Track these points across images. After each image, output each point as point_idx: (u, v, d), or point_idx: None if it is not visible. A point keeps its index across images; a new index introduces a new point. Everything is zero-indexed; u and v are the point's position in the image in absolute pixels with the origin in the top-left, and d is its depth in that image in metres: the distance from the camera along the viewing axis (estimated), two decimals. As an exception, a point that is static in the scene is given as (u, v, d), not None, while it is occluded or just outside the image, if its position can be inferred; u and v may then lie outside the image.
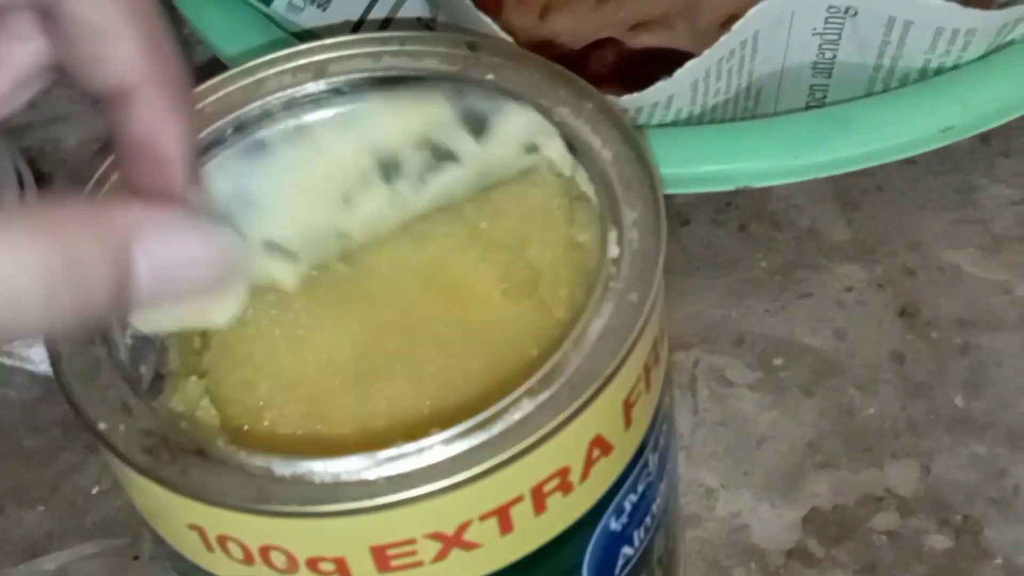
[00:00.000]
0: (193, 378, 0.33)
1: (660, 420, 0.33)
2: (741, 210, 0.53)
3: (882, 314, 0.49)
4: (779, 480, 0.45)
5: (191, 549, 0.31)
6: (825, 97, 0.50)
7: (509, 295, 0.34)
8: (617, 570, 0.34)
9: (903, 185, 0.53)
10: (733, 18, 0.46)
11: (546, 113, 0.34)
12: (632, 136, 0.34)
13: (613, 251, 0.31)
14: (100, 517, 0.47)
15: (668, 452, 0.35)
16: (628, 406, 0.31)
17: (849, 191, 0.53)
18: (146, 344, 0.33)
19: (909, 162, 0.51)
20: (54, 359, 0.31)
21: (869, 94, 0.50)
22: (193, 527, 0.30)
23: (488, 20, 0.46)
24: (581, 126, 0.34)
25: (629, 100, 0.46)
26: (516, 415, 0.29)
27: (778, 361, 0.48)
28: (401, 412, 0.33)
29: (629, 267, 0.31)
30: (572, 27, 0.52)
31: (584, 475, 0.30)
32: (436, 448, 0.28)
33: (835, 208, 0.53)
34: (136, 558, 0.46)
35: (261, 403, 0.33)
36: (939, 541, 0.44)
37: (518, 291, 0.34)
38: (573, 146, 0.34)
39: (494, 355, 0.33)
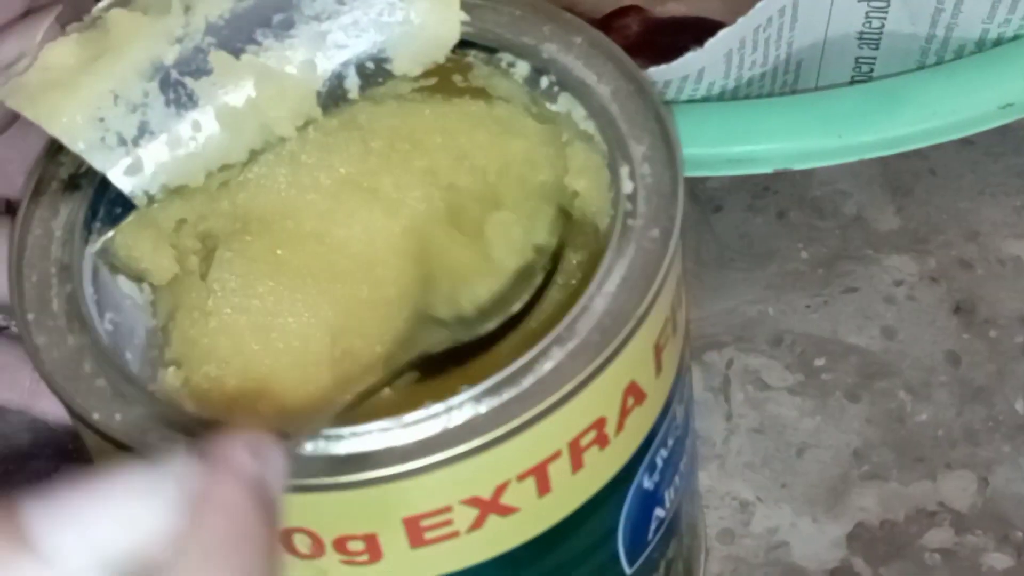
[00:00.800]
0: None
1: (684, 368, 0.35)
2: (780, 195, 0.53)
3: (935, 311, 0.49)
4: (822, 493, 0.45)
5: None
6: (872, 71, 0.50)
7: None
8: (651, 534, 0.35)
9: (959, 168, 0.53)
10: (771, -17, 0.46)
11: (532, 50, 0.35)
12: (630, 68, 0.34)
13: (627, 187, 0.32)
14: (72, 532, 0.46)
15: (691, 405, 0.36)
16: (658, 350, 0.32)
17: (899, 175, 0.53)
18: (126, 329, 0.34)
19: (966, 142, 0.51)
20: (31, 351, 0.31)
21: (921, 67, 0.50)
22: None
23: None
24: (572, 62, 0.35)
25: (656, 72, 0.46)
26: (547, 365, 0.29)
27: (820, 362, 0.48)
28: (387, 401, 0.33)
29: (645, 203, 0.32)
30: (592, -8, 0.52)
31: (619, 426, 0.31)
32: (465, 407, 0.29)
33: (884, 194, 0.52)
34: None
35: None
36: (998, 560, 0.43)
37: None
38: (565, 82, 0.34)
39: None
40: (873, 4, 0.48)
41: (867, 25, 0.48)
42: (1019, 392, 0.47)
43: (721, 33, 0.45)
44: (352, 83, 0.35)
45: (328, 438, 0.29)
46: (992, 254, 0.50)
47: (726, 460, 0.46)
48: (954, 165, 0.53)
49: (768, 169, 0.47)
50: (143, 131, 0.33)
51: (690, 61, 0.46)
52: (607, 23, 0.51)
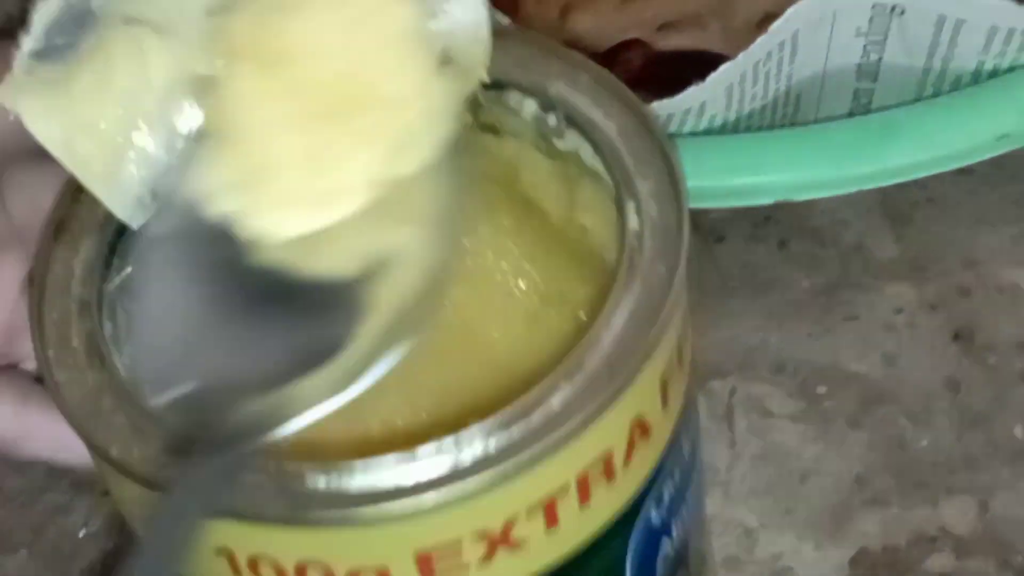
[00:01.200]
0: None
1: (691, 401, 0.35)
2: (781, 225, 0.53)
3: (935, 338, 0.49)
4: (824, 519, 0.45)
5: None
6: (870, 102, 0.51)
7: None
8: (658, 566, 0.35)
9: (957, 197, 0.53)
10: (770, 17, 0.46)
11: (539, 88, 0.35)
12: (636, 105, 0.34)
13: (633, 223, 0.32)
14: (88, 563, 0.47)
15: (698, 437, 0.36)
16: (665, 383, 0.32)
17: (898, 204, 0.53)
18: None
19: (963, 172, 0.50)
20: (52, 388, 0.31)
21: (918, 99, 0.50)
22: (221, 551, 0.30)
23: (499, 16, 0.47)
24: (579, 99, 0.35)
25: (659, 106, 0.46)
26: (555, 399, 0.29)
27: (822, 389, 0.48)
28: (398, 431, 0.33)
29: (651, 239, 0.32)
30: (595, 27, 0.52)
31: (627, 459, 0.31)
32: (475, 442, 0.29)
33: (883, 223, 0.53)
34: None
35: None
36: (1000, 584, 0.44)
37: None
38: (572, 119, 0.35)
39: (495, 358, 0.34)
40: (871, 38, 0.48)
41: (865, 58, 0.49)
42: (1018, 418, 0.47)
43: (722, 68, 0.46)
44: None
45: (339, 473, 0.29)
46: (990, 281, 0.51)
47: (730, 487, 0.46)
48: (952, 194, 0.53)
49: (769, 200, 0.47)
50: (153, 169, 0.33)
51: (691, 95, 0.46)
52: (611, 57, 0.51)
